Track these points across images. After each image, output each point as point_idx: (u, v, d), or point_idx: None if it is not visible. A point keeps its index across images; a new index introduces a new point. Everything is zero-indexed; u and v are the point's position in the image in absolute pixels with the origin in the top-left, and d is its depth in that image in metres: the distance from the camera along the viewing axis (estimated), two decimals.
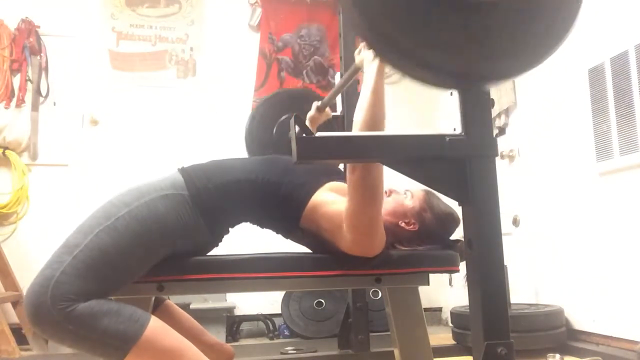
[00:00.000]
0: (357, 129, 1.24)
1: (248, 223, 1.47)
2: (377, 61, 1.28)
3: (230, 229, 1.44)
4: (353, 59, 2.49)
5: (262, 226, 1.47)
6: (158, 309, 1.47)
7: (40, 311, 1.12)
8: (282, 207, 1.37)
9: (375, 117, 1.23)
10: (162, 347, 1.16)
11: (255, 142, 2.24)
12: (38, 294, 1.12)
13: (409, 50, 0.77)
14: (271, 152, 2.11)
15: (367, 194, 1.23)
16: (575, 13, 0.83)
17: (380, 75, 1.27)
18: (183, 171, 1.37)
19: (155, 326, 1.17)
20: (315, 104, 2.04)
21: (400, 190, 1.48)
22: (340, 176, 1.46)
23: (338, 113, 2.50)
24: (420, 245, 1.44)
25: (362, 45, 1.41)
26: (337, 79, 2.27)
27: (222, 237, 1.44)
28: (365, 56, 1.37)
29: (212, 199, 1.32)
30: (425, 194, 1.47)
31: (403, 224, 1.42)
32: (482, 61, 0.80)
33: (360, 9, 0.76)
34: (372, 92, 1.24)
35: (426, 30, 0.77)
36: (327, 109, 2.09)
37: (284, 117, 2.24)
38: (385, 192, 1.49)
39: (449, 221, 1.47)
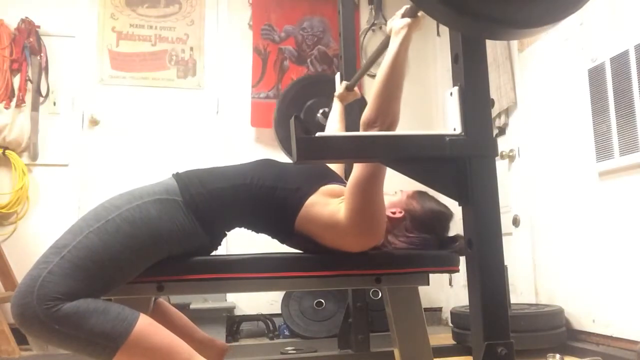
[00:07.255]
0: (370, 101, 1.22)
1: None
2: (403, 32, 1.25)
3: (227, 232, 1.44)
4: (353, 59, 2.51)
5: (257, 231, 1.45)
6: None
7: (26, 311, 1.10)
8: (276, 212, 1.36)
9: (390, 90, 1.21)
10: (151, 345, 1.15)
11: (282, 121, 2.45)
12: (24, 294, 1.11)
13: None
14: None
15: (367, 194, 1.24)
16: None
17: (403, 47, 1.24)
18: (177, 177, 1.36)
19: (144, 324, 1.16)
20: (345, 83, 2.02)
21: (390, 192, 1.50)
22: (336, 179, 1.45)
23: None
24: (410, 233, 1.44)
25: (397, 13, 1.34)
26: (337, 80, 2.24)
27: (221, 240, 1.43)
28: (393, 25, 1.30)
29: (206, 204, 1.31)
30: (415, 191, 1.49)
31: (390, 214, 1.44)
32: (520, 5, 0.77)
33: None
34: (391, 65, 1.22)
35: None
36: (356, 89, 2.04)
37: (310, 102, 2.37)
38: None
39: (437, 211, 1.48)
